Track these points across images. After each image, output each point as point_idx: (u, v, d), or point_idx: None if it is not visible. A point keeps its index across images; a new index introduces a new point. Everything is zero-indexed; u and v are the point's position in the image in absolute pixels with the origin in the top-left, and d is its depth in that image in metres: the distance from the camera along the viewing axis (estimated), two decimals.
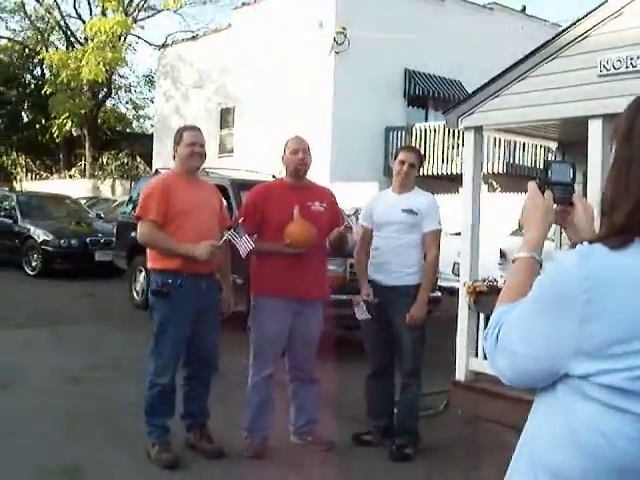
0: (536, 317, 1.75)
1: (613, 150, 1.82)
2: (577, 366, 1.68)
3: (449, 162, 21.93)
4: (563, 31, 6.93)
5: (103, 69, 31.37)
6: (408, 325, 5.95)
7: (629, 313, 1.62)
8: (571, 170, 2.11)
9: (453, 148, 21.97)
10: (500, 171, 20.69)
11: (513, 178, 20.29)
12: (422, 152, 6.80)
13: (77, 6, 38.22)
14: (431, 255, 6.13)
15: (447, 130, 21.54)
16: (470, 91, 7.92)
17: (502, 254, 13.05)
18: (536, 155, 21.65)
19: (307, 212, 5.79)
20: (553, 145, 13.50)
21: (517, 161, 21.37)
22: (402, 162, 6.17)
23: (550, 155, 20.21)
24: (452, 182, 18.44)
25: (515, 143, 20.94)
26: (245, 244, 5.57)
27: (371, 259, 6.22)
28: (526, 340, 1.76)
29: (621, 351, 1.62)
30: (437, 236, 6.17)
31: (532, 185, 2.08)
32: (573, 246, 1.86)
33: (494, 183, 19.24)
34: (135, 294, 13.22)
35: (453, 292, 9.12)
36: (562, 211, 2.06)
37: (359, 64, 22.46)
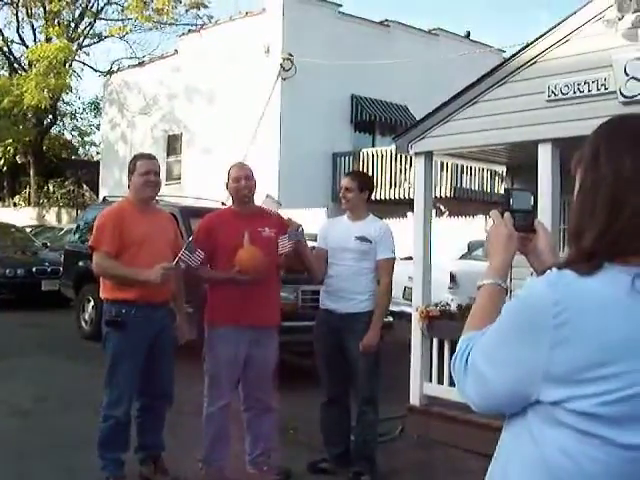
0: (505, 343, 1.75)
1: (578, 177, 1.84)
2: (547, 392, 1.68)
3: (396, 186, 22.08)
4: (512, 57, 7.02)
5: (47, 95, 31.02)
6: (362, 352, 5.94)
7: (598, 339, 1.63)
8: (531, 198, 2.15)
9: (400, 173, 22.14)
10: (447, 195, 20.87)
11: (460, 202, 20.50)
12: (369, 176, 6.80)
13: (21, 32, 37.85)
14: (384, 283, 6.13)
15: (394, 155, 21.69)
16: (416, 116, 8.00)
17: (452, 277, 13.12)
18: (483, 179, 21.90)
19: (258, 238, 5.76)
20: (500, 169, 13.65)
21: (464, 185, 21.58)
22: (340, 188, 6.25)
23: (498, 179, 20.48)
24: (399, 206, 18.58)
25: (462, 167, 21.17)
26: (197, 259, 5.53)
27: (325, 287, 6.21)
28: (495, 366, 1.76)
29: (590, 376, 1.62)
30: (390, 264, 6.17)
31: (495, 213, 2.11)
32: (540, 273, 1.86)
33: (442, 207, 19.39)
34: (84, 324, 13.02)
35: (403, 316, 9.15)
36: (524, 238, 2.08)
37: (306, 90, 22.54)
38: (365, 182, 6.41)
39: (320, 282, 6.31)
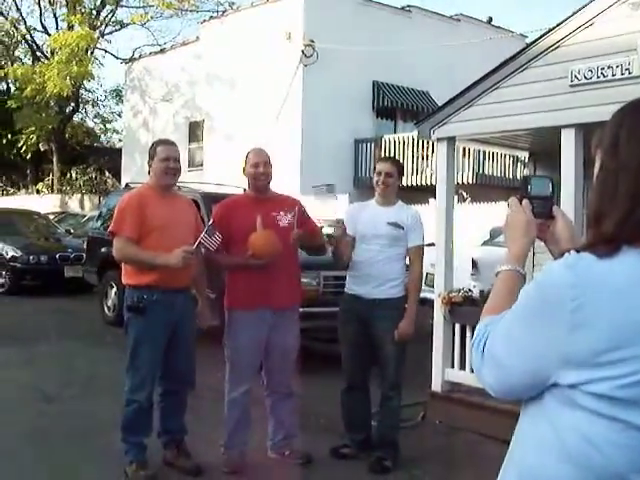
0: (523, 327, 1.75)
1: (598, 160, 1.82)
2: (565, 375, 1.67)
3: (418, 173, 22.00)
4: (534, 42, 6.97)
5: (69, 83, 31.14)
6: (394, 339, 5.93)
7: (617, 321, 1.62)
8: (550, 184, 2.14)
9: (422, 159, 22.05)
10: (469, 181, 20.78)
11: (482, 188, 20.40)
12: (401, 162, 6.76)
13: (43, 20, 37.99)
14: (415, 270, 6.13)
15: (416, 141, 21.63)
16: (438, 102, 7.98)
17: (474, 264, 13.08)
18: (505, 165, 21.80)
19: (272, 223, 5.77)
20: (522, 155, 13.59)
21: (486, 171, 21.49)
22: (379, 173, 6.16)
23: (520, 165, 20.37)
24: (421, 193, 18.51)
25: (484, 153, 21.07)
26: (216, 242, 5.54)
27: (352, 271, 6.19)
28: (513, 350, 1.76)
29: (609, 359, 1.62)
30: (421, 251, 6.17)
31: (513, 200, 2.10)
32: (558, 257, 1.85)
33: (464, 193, 19.29)
34: (106, 310, 13.11)
35: (424, 302, 9.14)
36: (542, 224, 2.08)
37: (327, 76, 22.48)
38: (401, 168, 6.44)
39: (344, 267, 6.29)
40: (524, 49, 7.08)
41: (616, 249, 1.67)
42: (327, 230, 6.38)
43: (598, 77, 6.30)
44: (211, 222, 5.74)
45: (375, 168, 6.32)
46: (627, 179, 1.71)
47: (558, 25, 6.66)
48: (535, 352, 1.72)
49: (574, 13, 6.54)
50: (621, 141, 1.74)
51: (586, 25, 6.44)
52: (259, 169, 5.86)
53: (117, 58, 36.07)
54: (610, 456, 1.63)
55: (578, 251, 1.72)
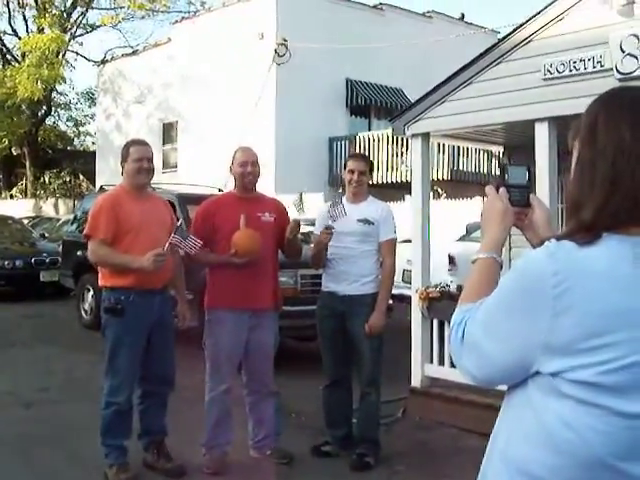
0: (505, 314, 1.75)
1: (575, 151, 1.83)
2: (547, 363, 1.68)
3: (394, 170, 22.05)
4: (506, 36, 7.00)
5: (40, 87, 30.95)
6: (367, 334, 5.94)
7: (598, 308, 1.63)
8: (527, 172, 2.14)
9: (397, 156, 22.09)
10: (445, 177, 20.85)
11: (457, 184, 20.48)
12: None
13: (13, 23, 37.72)
14: (388, 264, 6.13)
15: (391, 138, 21.66)
16: (412, 99, 7.98)
17: (451, 259, 13.11)
18: (479, 160, 21.88)
19: (256, 222, 5.77)
20: (497, 150, 13.63)
21: (461, 167, 21.57)
22: (352, 171, 6.15)
23: (494, 160, 20.46)
24: (396, 190, 18.57)
25: (459, 149, 21.16)
26: (191, 244, 5.52)
27: (327, 269, 6.19)
28: (494, 338, 1.77)
29: (591, 345, 1.63)
30: (393, 245, 6.18)
31: (490, 188, 2.10)
32: (538, 246, 1.86)
33: (439, 190, 19.37)
34: (83, 313, 13.02)
35: (402, 299, 9.15)
36: (519, 213, 2.09)
37: (301, 75, 22.49)
38: (371, 164, 6.46)
39: (318, 267, 6.30)
40: (496, 44, 7.11)
41: (596, 236, 1.69)
42: (306, 228, 6.37)
43: (570, 70, 6.34)
44: (179, 223, 5.72)
45: (346, 165, 6.30)
46: (604, 166, 1.72)
47: (530, 19, 6.69)
48: (517, 339, 1.72)
49: (545, 7, 6.57)
50: (598, 129, 1.76)
51: (557, 19, 6.48)
52: (247, 168, 5.85)
53: (89, 60, 35.97)
54: (592, 443, 1.64)
55: (559, 239, 1.73)
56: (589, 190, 1.73)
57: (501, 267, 1.99)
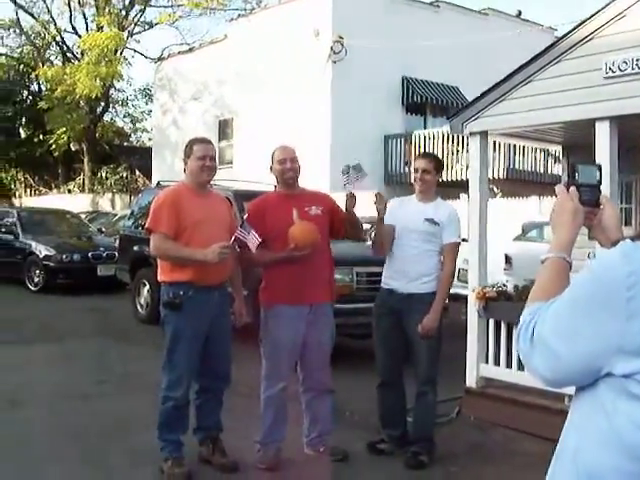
0: (577, 314, 1.73)
1: None
2: (620, 364, 1.66)
3: (449, 169, 21.91)
4: (566, 34, 6.90)
5: (98, 84, 31.37)
6: (421, 335, 5.93)
7: None
8: (597, 172, 2.11)
9: (453, 154, 21.96)
10: (501, 176, 20.67)
11: (513, 183, 20.31)
12: (440, 158, 6.75)
13: (73, 21, 38.26)
14: (448, 267, 6.11)
15: (446, 136, 21.56)
16: (468, 97, 7.93)
17: (507, 259, 13.03)
18: (535, 159, 21.67)
19: (305, 216, 5.77)
20: (554, 149, 13.45)
21: (517, 166, 21.37)
22: (416, 170, 6.17)
23: (551, 159, 20.22)
24: (452, 188, 18.46)
25: (515, 148, 20.96)
26: (253, 239, 5.54)
27: (388, 266, 6.20)
28: (566, 338, 1.74)
29: None
30: (456, 248, 6.16)
31: (560, 188, 2.07)
32: (611, 245, 1.84)
33: (495, 188, 19.21)
34: (139, 308, 13.17)
35: (458, 298, 9.11)
36: (589, 212, 2.06)
37: (356, 72, 22.46)
38: (439, 164, 6.43)
39: (383, 258, 6.28)
40: (556, 42, 7.02)
41: None
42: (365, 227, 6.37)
43: (633, 69, 6.23)
44: (245, 217, 5.75)
45: (413, 164, 6.33)
46: None
47: (590, 17, 6.59)
48: (588, 340, 1.70)
49: (606, 5, 6.47)
50: None
51: (619, 16, 6.38)
52: (286, 165, 5.87)
53: (146, 58, 36.35)
54: None
55: (633, 239, 1.70)
56: None
57: (570, 267, 1.96)
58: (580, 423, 1.79)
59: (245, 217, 5.76)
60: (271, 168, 5.98)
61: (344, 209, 5.87)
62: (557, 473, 1.83)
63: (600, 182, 2.12)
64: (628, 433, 1.65)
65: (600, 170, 2.11)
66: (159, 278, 5.78)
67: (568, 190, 2.05)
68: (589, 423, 1.75)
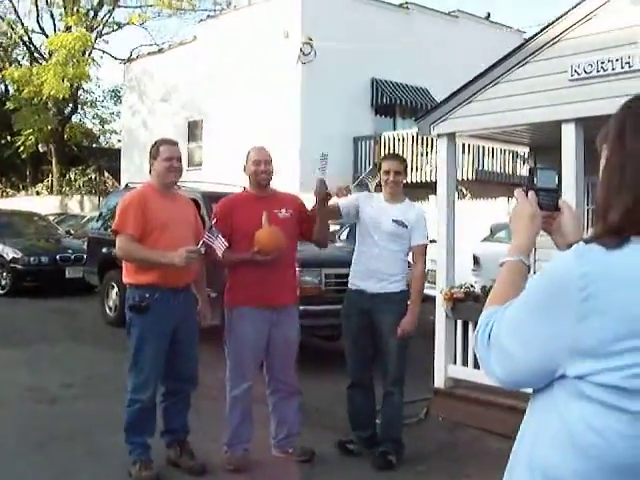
0: (531, 316, 1.74)
1: (603, 154, 1.82)
2: (574, 366, 1.67)
3: (418, 170, 21.99)
4: (533, 36, 6.96)
5: (66, 85, 31.16)
6: (395, 333, 5.93)
7: (626, 311, 1.62)
8: (556, 176, 2.13)
9: (422, 156, 22.03)
10: (469, 178, 20.77)
11: (482, 184, 20.39)
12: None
13: (40, 21, 38.00)
14: (419, 268, 6.13)
15: (415, 138, 21.62)
16: (437, 98, 7.96)
17: (475, 260, 13.09)
18: (504, 161, 21.79)
19: (274, 219, 5.77)
20: (522, 150, 13.54)
21: (486, 167, 21.48)
22: (387, 172, 6.17)
23: (519, 161, 20.35)
24: (421, 190, 18.51)
25: (483, 149, 21.07)
26: (220, 244, 5.53)
27: (355, 266, 6.21)
28: (521, 340, 1.76)
29: (617, 349, 1.62)
30: (425, 250, 6.19)
31: (519, 192, 2.09)
32: (566, 248, 1.85)
33: (463, 190, 19.30)
34: (108, 310, 13.07)
35: (426, 299, 9.14)
36: (548, 216, 2.07)
37: (326, 74, 22.47)
38: (407, 165, 6.49)
39: (350, 259, 6.29)
40: (523, 44, 7.08)
41: (624, 240, 1.68)
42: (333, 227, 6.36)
43: (597, 71, 6.29)
44: (213, 222, 5.73)
45: (381, 166, 6.31)
46: (633, 170, 1.72)
47: (557, 19, 6.65)
48: (542, 342, 1.71)
49: (573, 7, 6.52)
50: (627, 133, 1.75)
51: (585, 19, 6.43)
52: (260, 167, 5.88)
53: (115, 58, 36.18)
54: (619, 447, 1.63)
55: (587, 242, 1.72)
56: (617, 194, 1.73)
57: (529, 270, 1.98)
58: (535, 424, 1.81)
59: (213, 222, 5.74)
60: (245, 168, 5.98)
61: (314, 194, 5.81)
62: (514, 471, 1.84)
63: (559, 186, 2.13)
64: (580, 433, 1.67)
65: (559, 174, 2.13)
66: (124, 280, 5.75)
67: (527, 194, 2.06)
68: (544, 424, 1.77)
